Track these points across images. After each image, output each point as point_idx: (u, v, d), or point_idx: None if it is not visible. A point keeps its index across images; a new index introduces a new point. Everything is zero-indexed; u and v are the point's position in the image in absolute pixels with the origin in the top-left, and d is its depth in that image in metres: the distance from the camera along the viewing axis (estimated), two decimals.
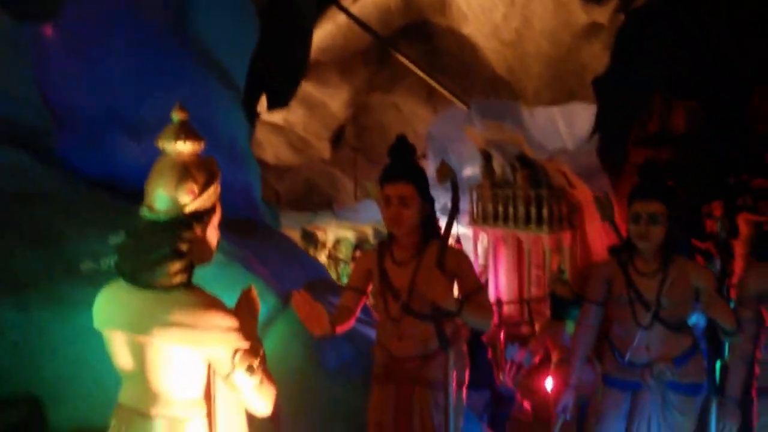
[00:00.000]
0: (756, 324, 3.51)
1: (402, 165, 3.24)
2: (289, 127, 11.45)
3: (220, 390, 2.26)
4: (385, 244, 3.36)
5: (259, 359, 2.26)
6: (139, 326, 2.13)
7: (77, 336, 2.99)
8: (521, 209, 11.89)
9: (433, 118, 11.39)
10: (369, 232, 14.87)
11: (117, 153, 4.00)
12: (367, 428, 3.41)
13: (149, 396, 2.20)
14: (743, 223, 10.02)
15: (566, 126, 9.79)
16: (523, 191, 11.80)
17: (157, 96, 3.93)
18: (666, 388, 3.42)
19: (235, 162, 4.43)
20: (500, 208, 12.26)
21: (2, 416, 3.02)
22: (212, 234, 2.31)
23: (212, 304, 2.18)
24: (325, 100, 10.67)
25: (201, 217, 2.22)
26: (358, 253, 14.67)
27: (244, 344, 2.20)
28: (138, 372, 2.19)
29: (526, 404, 6.44)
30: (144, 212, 2.20)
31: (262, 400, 2.27)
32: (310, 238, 14.14)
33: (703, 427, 3.82)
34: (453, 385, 3.18)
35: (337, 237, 15.09)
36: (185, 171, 2.19)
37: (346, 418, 3.73)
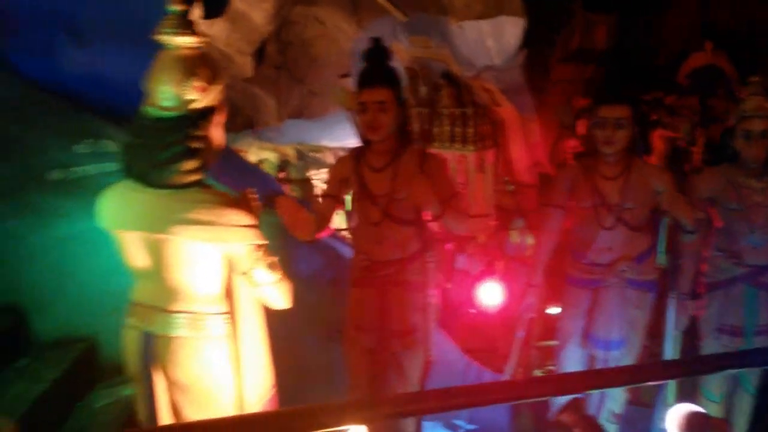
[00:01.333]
0: (705, 224, 3.76)
1: (379, 69, 3.23)
2: (211, 41, 10.92)
3: (239, 288, 2.27)
4: (359, 150, 3.38)
5: (276, 257, 2.31)
6: (157, 225, 2.10)
7: (54, 245, 2.88)
8: (446, 128, 11.98)
9: (358, 33, 11.13)
10: (291, 153, 14.64)
11: (62, 58, 3.81)
12: (342, 332, 3.49)
13: (169, 293, 2.21)
14: (658, 139, 10.42)
15: (495, 41, 9.77)
16: (449, 110, 11.87)
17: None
18: (625, 285, 3.63)
19: None
20: (426, 127, 12.33)
21: None
22: (218, 134, 2.28)
23: (231, 201, 2.18)
24: (246, 11, 10.17)
25: (206, 115, 2.18)
26: (281, 175, 14.51)
27: (264, 241, 2.24)
28: (156, 270, 2.18)
29: (473, 309, 6.71)
30: (149, 110, 2.15)
31: (282, 296, 2.36)
32: None
33: (657, 320, 4.10)
34: (431, 286, 3.28)
35: (259, 158, 14.80)
36: (190, 67, 2.13)
37: (321, 322, 3.80)
